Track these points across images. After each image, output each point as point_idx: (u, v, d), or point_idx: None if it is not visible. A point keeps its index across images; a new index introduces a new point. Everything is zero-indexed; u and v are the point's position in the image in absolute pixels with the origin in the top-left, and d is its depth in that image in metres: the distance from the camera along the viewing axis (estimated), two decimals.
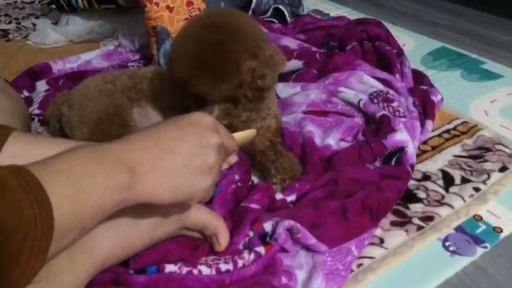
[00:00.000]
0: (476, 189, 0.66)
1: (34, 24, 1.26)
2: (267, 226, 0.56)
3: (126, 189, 0.40)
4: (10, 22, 1.31)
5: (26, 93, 0.92)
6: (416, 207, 0.64)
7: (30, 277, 0.34)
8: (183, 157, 0.44)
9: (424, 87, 0.87)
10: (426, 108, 0.80)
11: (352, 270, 0.55)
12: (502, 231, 0.61)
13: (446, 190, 0.67)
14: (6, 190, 0.33)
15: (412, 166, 0.67)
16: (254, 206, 0.59)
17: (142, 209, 0.50)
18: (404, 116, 0.75)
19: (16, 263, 0.32)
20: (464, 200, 0.65)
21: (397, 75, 0.87)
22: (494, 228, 0.61)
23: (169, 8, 0.95)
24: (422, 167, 0.71)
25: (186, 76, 0.59)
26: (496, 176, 0.68)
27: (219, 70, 0.58)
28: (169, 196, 0.44)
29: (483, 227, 0.61)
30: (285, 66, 0.65)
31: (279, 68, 0.63)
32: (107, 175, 0.39)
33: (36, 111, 0.86)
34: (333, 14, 1.29)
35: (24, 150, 0.49)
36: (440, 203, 0.64)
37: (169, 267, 0.51)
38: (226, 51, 0.59)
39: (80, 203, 0.37)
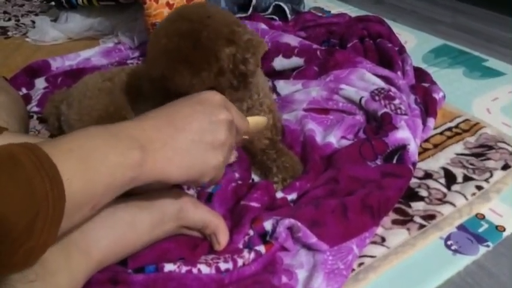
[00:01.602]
0: (479, 188, 0.65)
1: (33, 22, 1.26)
2: (267, 225, 0.55)
3: (137, 166, 0.40)
4: (9, 19, 1.30)
5: (24, 90, 0.91)
6: (418, 206, 0.63)
7: (44, 248, 0.35)
8: (194, 134, 0.44)
9: (426, 85, 0.86)
10: (428, 105, 0.80)
11: (353, 269, 0.54)
12: (504, 230, 0.60)
13: (449, 188, 0.66)
14: (18, 166, 0.33)
15: (414, 164, 0.67)
16: (254, 204, 0.58)
17: (140, 208, 0.50)
18: (406, 114, 0.74)
19: (30, 235, 0.33)
20: (467, 199, 0.64)
21: (399, 73, 0.86)
22: (496, 227, 0.61)
23: (169, 5, 0.95)
24: (424, 165, 0.71)
25: (164, 72, 0.56)
26: (498, 174, 0.68)
27: (195, 59, 0.56)
28: (181, 173, 0.44)
29: (485, 225, 0.61)
30: (265, 49, 0.62)
31: (260, 51, 0.60)
32: (119, 152, 0.39)
33: (35, 109, 0.86)
34: (333, 11, 1.28)
35: None
36: (442, 201, 0.64)
37: (168, 266, 0.50)
38: (199, 39, 0.56)
39: (91, 180, 0.37)
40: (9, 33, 1.21)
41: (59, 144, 0.37)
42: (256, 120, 0.56)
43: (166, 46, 0.56)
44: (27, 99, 0.87)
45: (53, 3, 1.16)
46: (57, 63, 1.00)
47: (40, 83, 0.93)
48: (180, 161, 0.43)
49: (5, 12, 1.34)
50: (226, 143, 0.46)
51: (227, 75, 0.58)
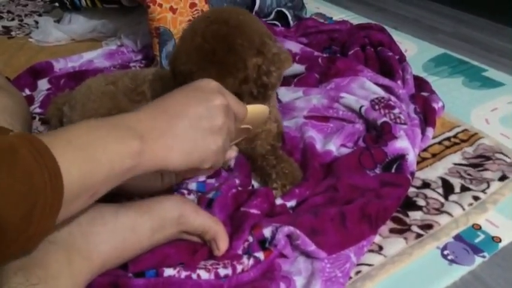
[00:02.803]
0: (476, 198, 0.66)
1: (36, 22, 1.26)
2: (267, 231, 0.56)
3: (137, 154, 0.41)
4: (13, 19, 1.30)
5: (27, 91, 0.92)
6: (415, 215, 0.64)
7: (42, 237, 0.36)
8: (191, 120, 0.45)
9: (426, 94, 0.87)
10: (427, 115, 0.81)
11: (350, 277, 0.55)
12: (500, 240, 0.61)
13: (446, 198, 0.67)
14: (17, 157, 0.34)
15: (412, 174, 0.67)
16: (254, 211, 0.59)
17: (141, 213, 0.50)
18: (405, 123, 0.75)
19: (28, 225, 0.34)
20: (464, 209, 0.65)
21: (399, 82, 0.87)
22: (493, 237, 0.61)
23: (173, 10, 0.95)
24: (422, 175, 0.71)
25: (192, 69, 0.59)
26: (495, 185, 0.68)
27: (226, 63, 0.58)
28: (182, 160, 0.44)
29: (482, 236, 0.62)
30: (290, 65, 0.65)
31: (285, 66, 0.64)
32: (118, 141, 0.40)
33: (38, 110, 0.86)
34: (335, 18, 1.29)
35: None
36: (440, 211, 0.64)
37: (168, 271, 0.51)
38: (234, 45, 0.59)
39: (90, 170, 0.38)
40: (13, 33, 1.21)
41: (59, 135, 0.38)
42: (255, 109, 0.55)
43: (202, 46, 0.58)
44: (30, 100, 0.88)
45: (56, 4, 1.17)
46: (60, 65, 1.01)
47: (43, 85, 0.94)
48: (179, 147, 0.44)
49: (8, 12, 1.35)
50: (223, 128, 0.47)
51: (250, 84, 0.60)
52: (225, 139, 0.48)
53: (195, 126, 0.45)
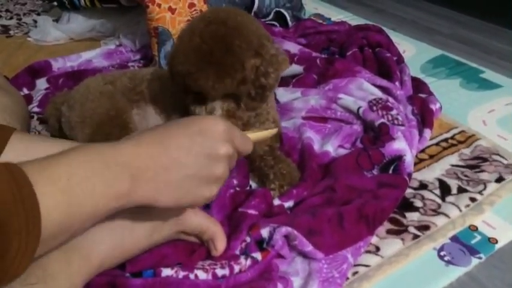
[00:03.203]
0: (473, 200, 0.67)
1: (35, 21, 1.26)
2: (264, 232, 0.56)
3: (124, 196, 0.40)
4: (11, 18, 1.30)
5: (26, 90, 0.92)
6: (412, 216, 0.64)
7: (14, 277, 0.35)
8: (189, 168, 0.43)
9: (423, 96, 0.87)
10: (425, 116, 0.81)
11: (347, 278, 0.55)
12: (497, 242, 0.61)
13: (443, 199, 0.67)
14: None
15: (410, 175, 0.68)
16: (252, 211, 0.59)
17: (139, 213, 0.51)
18: (402, 125, 0.75)
19: (1, 266, 0.33)
20: (461, 210, 0.65)
21: (397, 83, 0.88)
22: (489, 239, 0.62)
23: (172, 10, 0.96)
24: (419, 176, 0.72)
25: (190, 69, 0.59)
26: (492, 187, 0.69)
27: (224, 64, 0.58)
28: (170, 203, 0.43)
29: (478, 237, 0.62)
30: (288, 67, 0.65)
31: (282, 68, 0.64)
32: (107, 184, 0.38)
33: (36, 109, 0.87)
34: (334, 18, 1.29)
35: (26, 149, 0.51)
36: (437, 212, 0.65)
37: (166, 271, 0.51)
38: (232, 46, 0.58)
39: (72, 212, 0.36)
40: (11, 32, 1.21)
41: (48, 169, 0.36)
42: (260, 135, 0.54)
43: (200, 46, 0.58)
44: (28, 99, 0.88)
45: (55, 3, 1.17)
46: (59, 64, 1.01)
47: (41, 84, 0.94)
48: (170, 193, 0.43)
49: (7, 11, 1.35)
50: (222, 178, 0.46)
51: (248, 85, 0.61)
52: (220, 186, 0.46)
53: (192, 175, 0.43)
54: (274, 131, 0.56)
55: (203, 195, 0.45)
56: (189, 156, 0.43)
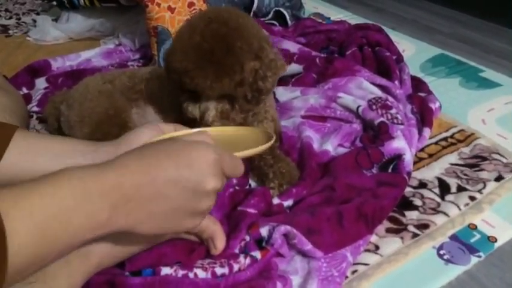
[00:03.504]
0: (472, 198, 0.66)
1: (34, 21, 1.26)
2: (264, 231, 0.56)
3: (103, 226, 0.38)
4: (10, 17, 1.30)
5: (25, 90, 0.92)
6: (412, 215, 0.64)
7: None
8: (174, 201, 0.42)
9: (423, 94, 0.87)
10: (424, 115, 0.81)
11: (346, 277, 0.55)
12: (496, 240, 0.61)
13: (442, 198, 0.67)
14: None
15: (409, 174, 0.68)
16: (251, 210, 0.59)
17: None
18: (402, 123, 0.75)
19: None
20: (460, 209, 0.65)
21: (396, 82, 0.88)
22: (488, 237, 0.62)
23: (171, 9, 0.96)
24: (419, 175, 0.72)
25: (188, 66, 0.58)
26: (491, 186, 0.69)
27: (224, 64, 0.57)
28: (151, 232, 0.43)
29: (478, 236, 0.62)
30: (285, 71, 0.65)
31: (280, 73, 0.64)
32: (86, 216, 0.37)
33: (35, 109, 0.86)
34: (333, 18, 1.29)
35: (29, 147, 0.52)
36: (436, 211, 0.65)
37: (165, 270, 0.51)
38: (233, 46, 0.58)
39: (46, 245, 0.35)
40: (10, 32, 1.21)
41: (22, 201, 0.34)
42: (252, 152, 0.51)
43: (200, 44, 0.57)
44: (27, 98, 0.88)
45: (54, 2, 1.17)
46: (58, 63, 1.01)
47: (40, 83, 0.94)
48: (151, 223, 0.42)
49: (6, 10, 1.34)
50: (208, 210, 0.45)
51: (245, 87, 0.60)
52: (204, 217, 0.46)
53: (177, 207, 0.42)
54: (267, 145, 0.52)
55: (186, 226, 0.44)
56: (175, 190, 0.41)
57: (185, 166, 0.42)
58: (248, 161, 0.70)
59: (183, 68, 0.58)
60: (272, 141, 0.53)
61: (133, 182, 0.40)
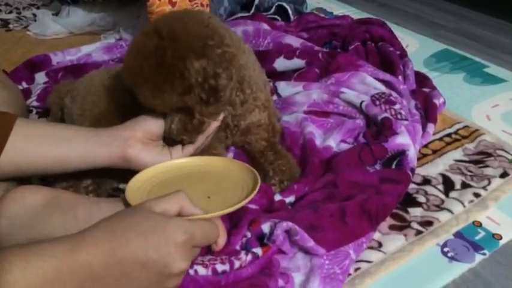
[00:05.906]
0: (477, 195, 0.66)
1: (34, 15, 1.25)
2: (265, 227, 0.55)
3: None
4: (10, 12, 1.29)
5: (24, 84, 0.91)
6: (415, 212, 0.63)
7: None
8: (140, 282, 0.42)
9: (427, 90, 0.86)
10: (428, 111, 0.80)
11: (349, 274, 0.54)
12: (501, 238, 0.60)
13: (446, 195, 0.66)
14: None
15: (413, 170, 0.67)
16: (252, 206, 0.58)
17: None
18: (406, 119, 0.74)
19: None
20: (464, 206, 0.64)
21: (400, 77, 0.87)
22: (493, 235, 0.61)
23: (172, 3, 0.95)
24: (423, 171, 0.71)
25: (131, 85, 0.56)
26: (496, 182, 0.68)
27: (156, 80, 0.54)
28: None
29: (482, 233, 0.61)
30: (238, 62, 0.60)
31: (234, 64, 0.58)
32: None
33: (35, 103, 0.86)
34: (336, 12, 1.28)
35: (33, 131, 0.55)
36: (440, 207, 0.64)
37: None
38: (163, 59, 0.53)
39: None
40: (10, 26, 1.21)
41: None
42: (225, 212, 0.50)
43: (133, 63, 0.55)
44: (27, 93, 0.87)
45: None
46: (58, 58, 1.00)
47: (40, 78, 0.93)
48: None
49: (6, 5, 1.34)
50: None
51: (196, 90, 0.55)
52: None
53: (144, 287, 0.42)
54: (240, 205, 0.50)
55: None
56: (142, 272, 0.42)
57: (153, 249, 0.42)
58: (249, 158, 0.70)
59: (128, 86, 0.56)
60: (255, 193, 0.51)
61: (101, 262, 0.40)
